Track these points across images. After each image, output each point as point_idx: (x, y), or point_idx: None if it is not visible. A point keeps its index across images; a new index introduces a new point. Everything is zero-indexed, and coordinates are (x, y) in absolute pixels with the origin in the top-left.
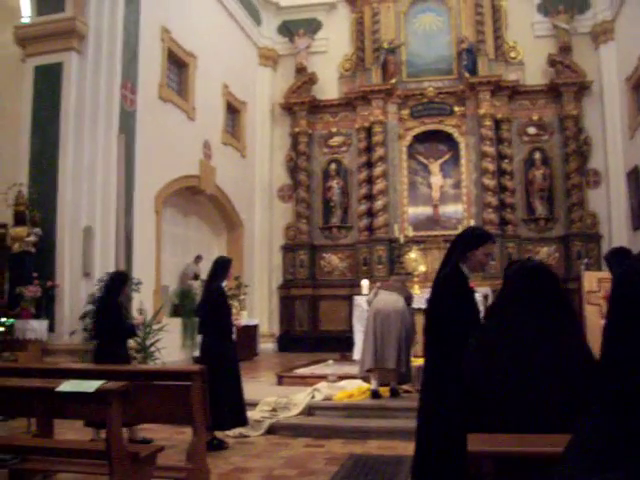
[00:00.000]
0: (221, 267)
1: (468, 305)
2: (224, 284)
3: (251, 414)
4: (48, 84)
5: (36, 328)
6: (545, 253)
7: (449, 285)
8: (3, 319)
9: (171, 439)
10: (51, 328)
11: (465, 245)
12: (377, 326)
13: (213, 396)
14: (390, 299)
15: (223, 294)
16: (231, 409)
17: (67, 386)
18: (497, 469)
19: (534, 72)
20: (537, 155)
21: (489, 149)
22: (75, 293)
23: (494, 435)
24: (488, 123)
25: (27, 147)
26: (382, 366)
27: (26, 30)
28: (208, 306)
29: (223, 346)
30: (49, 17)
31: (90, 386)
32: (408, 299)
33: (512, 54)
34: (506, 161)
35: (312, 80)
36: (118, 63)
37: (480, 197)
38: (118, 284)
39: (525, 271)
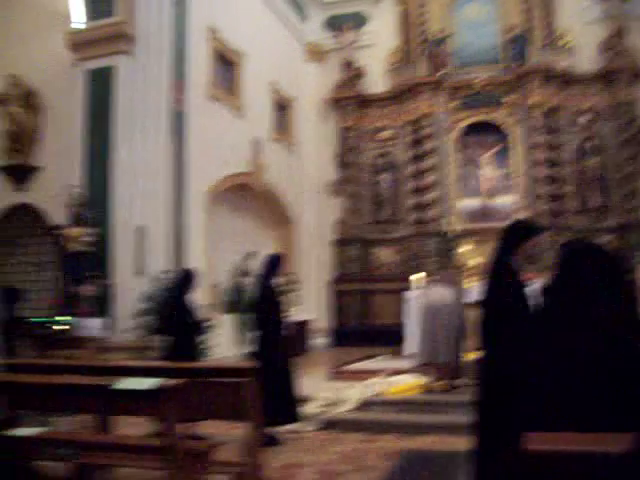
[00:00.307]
0: (273, 264)
1: (520, 298)
2: (276, 280)
3: (305, 409)
4: (100, 87)
5: (92, 326)
6: None
7: (500, 279)
8: (61, 318)
9: (225, 435)
10: (107, 326)
11: (513, 239)
12: (428, 321)
13: (267, 392)
14: (441, 293)
15: (276, 291)
16: (285, 405)
17: (125, 384)
18: (554, 468)
19: (585, 59)
20: (590, 144)
21: (540, 139)
22: (129, 291)
23: (550, 434)
24: (538, 112)
25: (82, 149)
26: (434, 361)
27: (78, 35)
28: (260, 303)
29: (276, 342)
30: (100, 22)
31: (147, 384)
32: (459, 293)
33: (562, 41)
34: (558, 151)
35: (359, 74)
36: (167, 64)
37: (531, 188)
38: (187, 281)
39: (579, 253)
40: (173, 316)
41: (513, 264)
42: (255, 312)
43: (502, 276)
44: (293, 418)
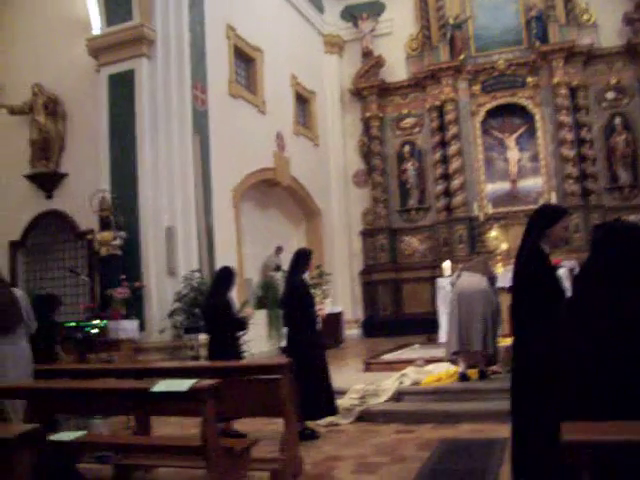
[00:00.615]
0: (302, 259)
1: (553, 283)
2: (306, 275)
3: (340, 402)
4: (122, 91)
5: (127, 328)
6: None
7: (532, 265)
8: (96, 321)
9: (263, 431)
10: (141, 327)
11: (543, 223)
12: (461, 308)
13: (303, 387)
14: (473, 280)
15: (305, 285)
16: (321, 398)
17: (161, 386)
18: (595, 459)
19: (609, 34)
20: (618, 120)
21: (566, 118)
22: (161, 292)
23: (590, 423)
24: (563, 92)
25: (107, 154)
26: (468, 348)
27: (98, 41)
28: (291, 298)
29: (309, 337)
30: (118, 27)
31: (186, 385)
32: (492, 279)
33: (584, 17)
34: (585, 129)
35: (379, 63)
36: (187, 65)
37: (560, 168)
38: (227, 279)
39: (615, 234)
40: (214, 314)
41: (545, 248)
42: (287, 308)
43: (533, 260)
44: (330, 411)
